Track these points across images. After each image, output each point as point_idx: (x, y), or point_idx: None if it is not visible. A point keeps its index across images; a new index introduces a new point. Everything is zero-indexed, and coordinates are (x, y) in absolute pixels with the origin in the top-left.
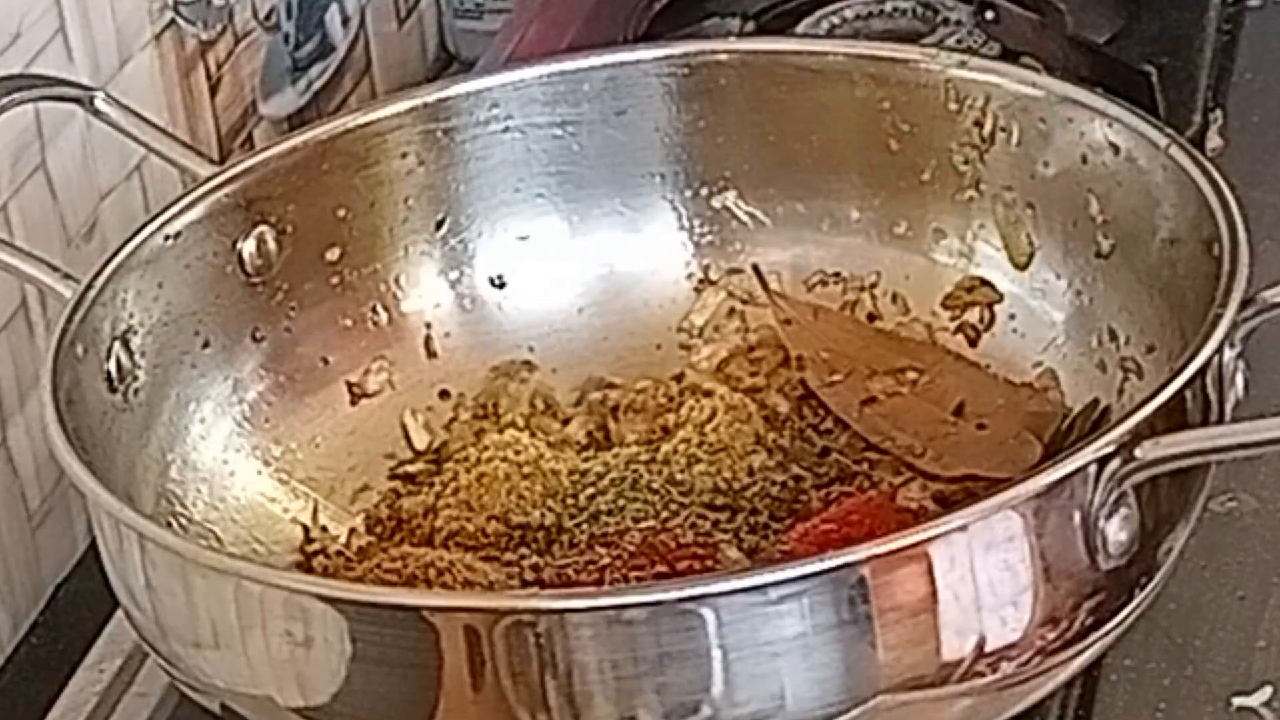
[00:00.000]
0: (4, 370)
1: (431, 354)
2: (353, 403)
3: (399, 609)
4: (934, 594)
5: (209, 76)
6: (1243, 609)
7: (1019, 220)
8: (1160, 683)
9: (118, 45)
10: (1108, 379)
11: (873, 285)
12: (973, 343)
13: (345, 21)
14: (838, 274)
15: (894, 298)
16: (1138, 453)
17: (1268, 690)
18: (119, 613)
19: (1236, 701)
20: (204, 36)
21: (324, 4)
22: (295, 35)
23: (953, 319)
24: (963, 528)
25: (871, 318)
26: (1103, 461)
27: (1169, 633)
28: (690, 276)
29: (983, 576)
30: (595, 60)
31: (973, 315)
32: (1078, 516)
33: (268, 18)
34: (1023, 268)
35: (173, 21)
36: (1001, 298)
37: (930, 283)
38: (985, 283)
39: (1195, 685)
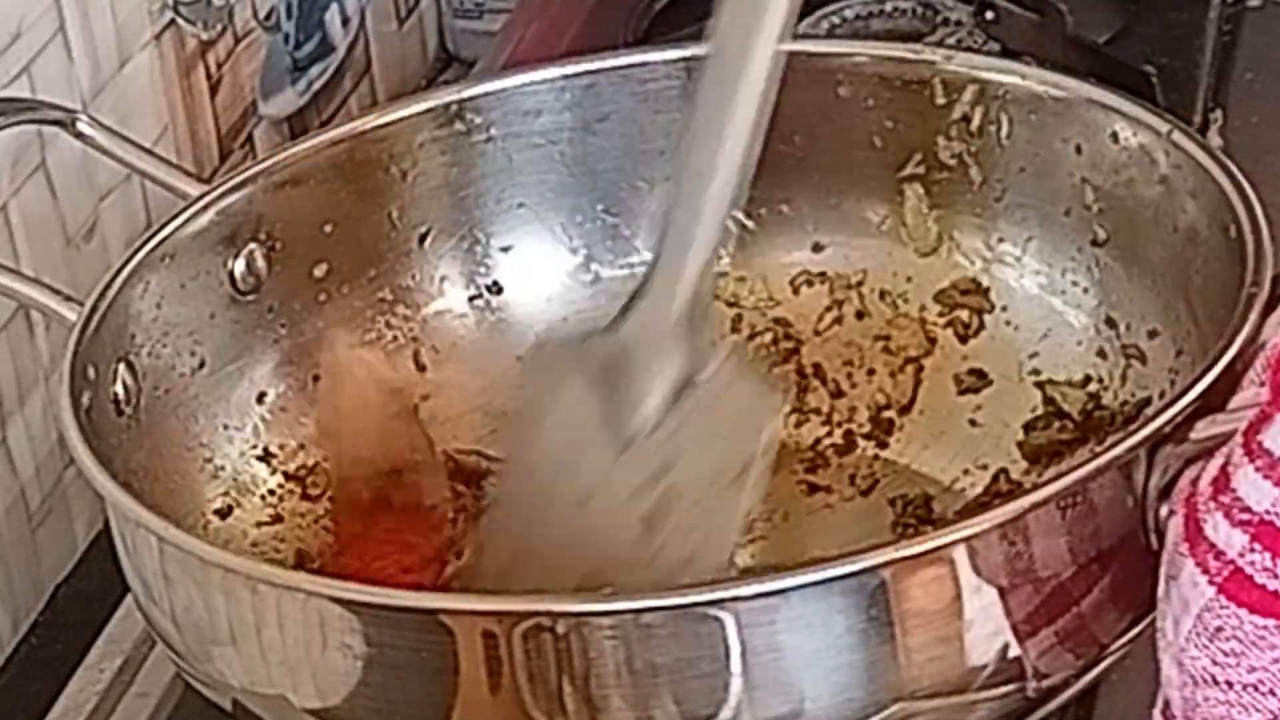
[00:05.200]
0: (4, 370)
1: (420, 368)
2: None
3: (415, 612)
4: (958, 598)
5: (209, 76)
6: None
7: (1010, 211)
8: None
9: (118, 45)
10: (1109, 365)
11: (859, 284)
12: (963, 339)
13: (345, 21)
14: (823, 274)
15: (882, 295)
16: (1193, 434)
17: None
18: (119, 613)
19: None
20: (204, 36)
21: (324, 4)
22: (295, 35)
23: (942, 314)
24: (990, 529)
25: (860, 315)
26: (1154, 447)
27: None
28: None
29: (1011, 577)
30: (573, 69)
31: (963, 312)
32: (1130, 502)
33: (268, 18)
34: (1015, 259)
35: (173, 21)
36: (992, 308)
37: (919, 279)
38: (980, 288)
39: None
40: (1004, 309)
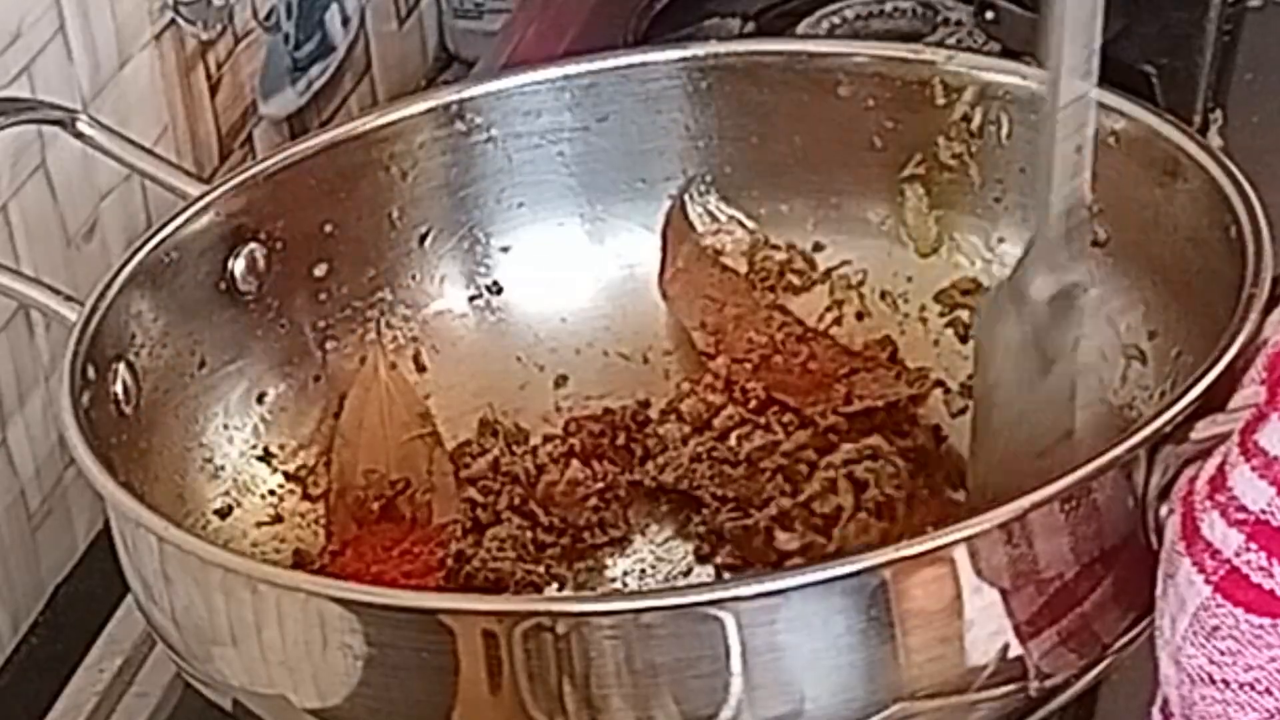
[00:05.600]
0: (4, 370)
1: (420, 368)
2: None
3: (415, 612)
4: (959, 598)
5: (209, 76)
6: None
7: (1010, 211)
8: None
9: (118, 45)
10: (1109, 365)
11: (859, 284)
12: (964, 339)
13: (345, 21)
14: (826, 273)
15: (882, 295)
16: (1193, 434)
17: None
18: (119, 613)
19: None
20: (204, 36)
21: (324, 4)
22: (295, 35)
23: (942, 314)
24: (990, 529)
25: (860, 315)
26: (1154, 447)
27: None
28: None
29: (1012, 576)
30: (573, 69)
31: (964, 312)
32: (1131, 502)
33: (268, 18)
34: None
35: (173, 21)
36: None
37: (920, 279)
38: (980, 288)
39: None
40: None
